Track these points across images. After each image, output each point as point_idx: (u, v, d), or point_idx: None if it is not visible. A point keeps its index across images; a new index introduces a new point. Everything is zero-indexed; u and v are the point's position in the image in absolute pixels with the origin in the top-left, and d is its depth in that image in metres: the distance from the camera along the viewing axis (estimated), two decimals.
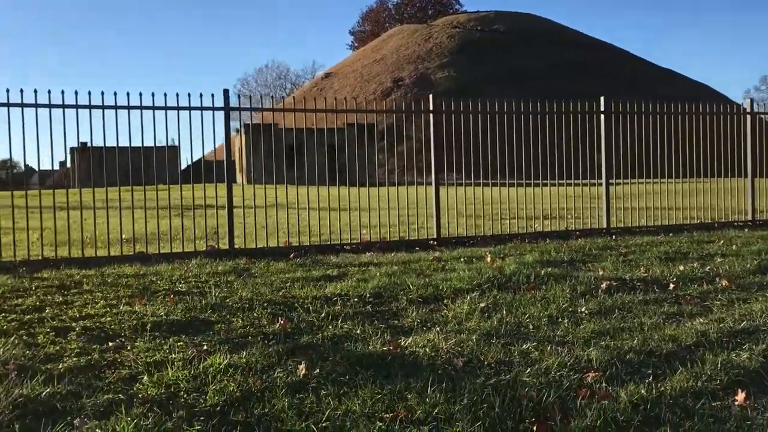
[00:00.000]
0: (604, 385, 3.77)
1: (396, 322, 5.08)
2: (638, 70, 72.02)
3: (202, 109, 8.71)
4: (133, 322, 4.94)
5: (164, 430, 3.22)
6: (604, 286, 5.99)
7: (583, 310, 5.28)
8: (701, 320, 5.03)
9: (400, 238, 9.50)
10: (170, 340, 4.53)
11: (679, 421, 3.36)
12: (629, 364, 4.11)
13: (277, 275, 6.72)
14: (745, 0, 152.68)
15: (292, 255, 8.09)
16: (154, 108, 8.48)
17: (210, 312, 5.22)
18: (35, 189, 12.76)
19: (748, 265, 7.01)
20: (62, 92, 7.98)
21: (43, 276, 6.79)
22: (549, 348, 4.36)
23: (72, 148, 46.04)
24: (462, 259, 7.55)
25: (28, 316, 5.12)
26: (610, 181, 10.73)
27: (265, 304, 5.43)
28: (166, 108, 8.54)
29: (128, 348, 4.38)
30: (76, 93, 8.07)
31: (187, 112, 8.66)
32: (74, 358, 4.16)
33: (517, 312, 5.22)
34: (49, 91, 7.92)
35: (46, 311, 5.25)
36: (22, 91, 7.81)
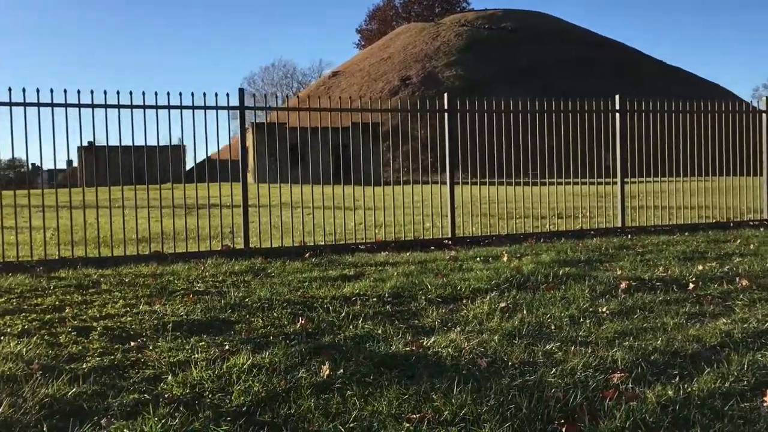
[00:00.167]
0: (630, 385, 3.73)
1: (416, 322, 5.06)
2: (647, 68, 71.61)
3: (217, 108, 8.72)
4: (154, 321, 4.95)
5: (191, 431, 3.22)
6: (623, 285, 5.96)
7: (604, 310, 5.25)
8: (724, 320, 4.98)
9: (414, 237, 9.49)
10: (192, 339, 4.53)
11: (709, 422, 3.32)
12: (654, 364, 4.07)
13: (294, 275, 6.72)
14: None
15: (307, 255, 8.09)
16: (169, 107, 8.50)
17: (230, 312, 5.23)
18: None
19: (767, 265, 6.96)
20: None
21: (60, 275, 6.81)
22: (573, 348, 4.33)
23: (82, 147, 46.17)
24: (478, 259, 7.53)
25: (49, 316, 5.13)
26: (625, 179, 10.68)
27: (285, 304, 5.42)
28: (181, 107, 8.55)
29: (150, 348, 4.38)
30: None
31: (203, 111, 8.68)
32: (97, 358, 4.17)
33: (538, 312, 5.19)
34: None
35: (66, 311, 5.26)
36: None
